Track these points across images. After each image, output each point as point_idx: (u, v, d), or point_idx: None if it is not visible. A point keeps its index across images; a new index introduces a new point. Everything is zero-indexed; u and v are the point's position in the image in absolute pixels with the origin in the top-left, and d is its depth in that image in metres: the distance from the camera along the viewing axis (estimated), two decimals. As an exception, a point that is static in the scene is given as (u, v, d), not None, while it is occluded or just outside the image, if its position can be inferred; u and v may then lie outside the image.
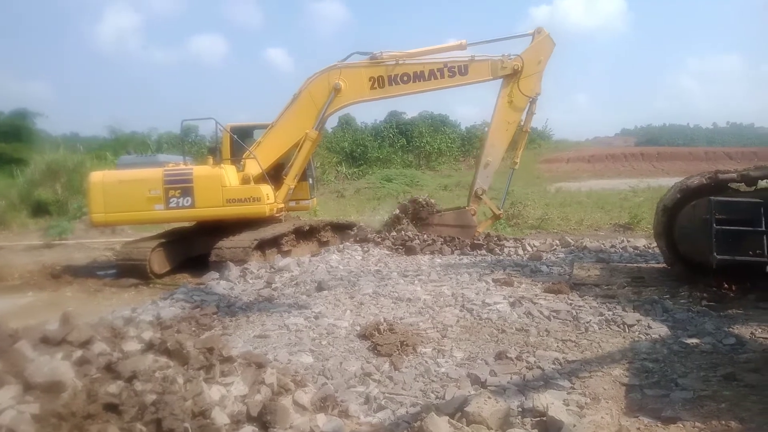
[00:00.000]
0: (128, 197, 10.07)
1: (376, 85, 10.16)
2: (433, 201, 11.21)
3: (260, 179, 10.49)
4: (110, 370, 3.30)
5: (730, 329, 5.37)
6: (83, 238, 15.22)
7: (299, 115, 10.41)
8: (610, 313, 6.02)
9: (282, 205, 10.93)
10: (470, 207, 10.54)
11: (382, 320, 5.76)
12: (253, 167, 10.49)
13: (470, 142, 58.88)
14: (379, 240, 11.36)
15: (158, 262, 9.97)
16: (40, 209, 19.75)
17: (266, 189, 10.28)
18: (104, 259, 12.37)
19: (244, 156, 10.64)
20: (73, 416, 2.82)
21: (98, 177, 10.43)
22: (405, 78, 10.11)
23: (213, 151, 11.66)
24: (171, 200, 10.03)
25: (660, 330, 5.45)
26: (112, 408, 2.98)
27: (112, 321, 5.38)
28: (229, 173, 10.34)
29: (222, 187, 10.08)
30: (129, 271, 9.77)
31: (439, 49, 10.27)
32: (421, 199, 11.35)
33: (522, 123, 10.66)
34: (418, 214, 10.85)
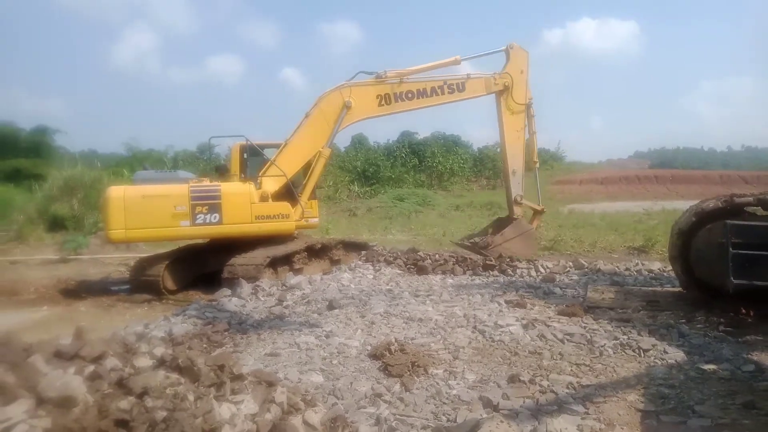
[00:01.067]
0: (152, 213, 9.79)
1: (383, 102, 10.77)
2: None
3: (276, 197, 10.59)
4: (122, 385, 3.31)
5: (749, 356, 5.26)
6: (98, 253, 15.38)
7: (312, 132, 10.63)
8: (625, 337, 5.92)
9: (301, 222, 11.10)
10: (516, 215, 11.40)
11: (393, 340, 5.72)
12: (269, 185, 10.58)
13: (482, 163, 58.93)
14: (391, 259, 11.35)
15: (171, 279, 10.03)
16: (56, 224, 20.02)
17: (289, 206, 10.47)
18: (118, 274, 12.47)
19: (261, 173, 10.71)
20: (84, 431, 2.82)
21: (119, 192, 9.99)
22: (409, 95, 10.86)
23: (220, 169, 11.80)
24: (198, 216, 9.92)
25: (676, 355, 5.35)
26: (123, 424, 2.97)
27: (124, 336, 5.39)
28: (253, 191, 10.43)
29: (251, 203, 10.15)
30: (142, 286, 9.83)
31: (436, 65, 11.14)
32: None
33: (527, 127, 11.81)
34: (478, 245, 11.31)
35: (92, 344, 3.61)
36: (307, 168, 10.87)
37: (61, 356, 3.48)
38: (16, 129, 30.84)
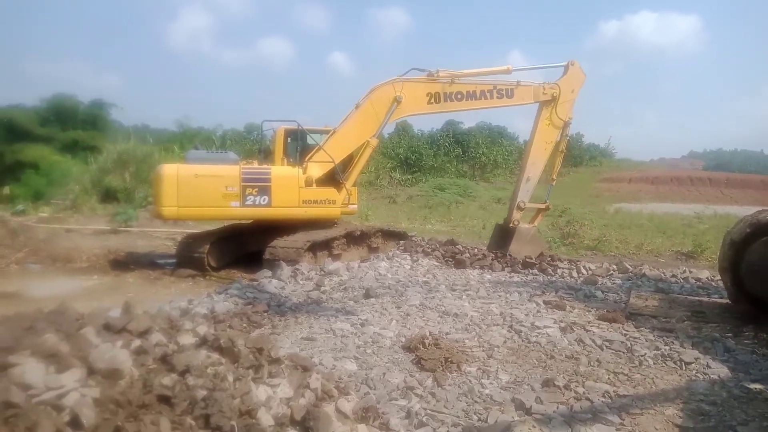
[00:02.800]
0: (203, 192, 9.98)
1: (432, 100, 10.87)
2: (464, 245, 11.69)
3: (320, 182, 10.72)
4: (165, 362, 3.44)
5: (799, 377, 5.03)
6: (146, 226, 15.95)
7: (362, 123, 10.78)
8: (667, 347, 5.75)
9: (345, 208, 11.32)
10: (514, 220, 11.38)
11: (427, 333, 5.73)
12: (314, 170, 10.70)
13: (511, 154, 57.80)
14: (429, 250, 11.33)
15: (215, 256, 10.32)
16: (109, 196, 20.86)
17: (342, 192, 10.70)
18: (165, 248, 12.91)
19: (306, 158, 10.83)
20: (129, 404, 2.96)
21: (172, 170, 10.19)
22: (459, 96, 10.96)
23: (263, 152, 12.00)
24: (248, 198, 10.16)
25: (720, 371, 5.16)
26: (165, 400, 3.10)
27: (169, 312, 5.61)
28: (301, 175, 10.60)
29: (299, 188, 10.37)
30: (187, 262, 10.15)
31: (487, 72, 11.30)
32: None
33: (558, 143, 11.88)
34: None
35: (139, 319, 3.77)
36: (350, 156, 10.98)
37: (110, 329, 3.64)
38: (76, 102, 32.04)
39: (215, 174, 10.17)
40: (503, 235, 11.69)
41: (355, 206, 12.46)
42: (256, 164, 10.94)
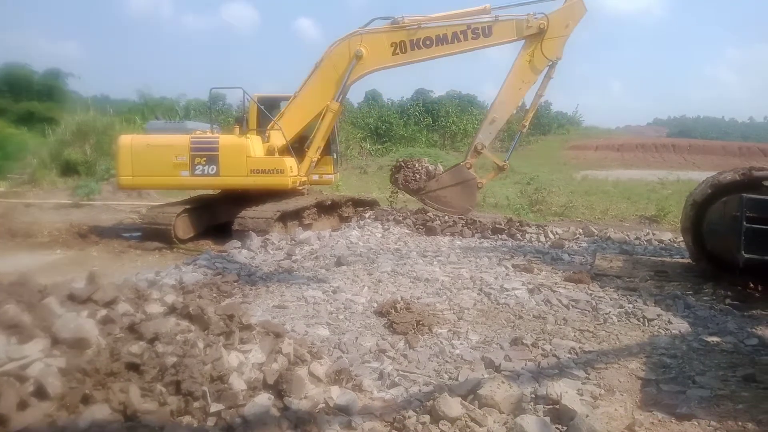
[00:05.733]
0: (155, 162, 10.23)
1: (398, 50, 9.83)
2: (432, 167, 8.85)
3: (284, 151, 10.50)
4: (133, 330, 3.39)
5: (753, 330, 5.27)
6: (110, 199, 15.51)
7: (321, 84, 10.21)
8: (631, 306, 5.95)
9: (304, 178, 10.93)
10: (467, 161, 9.14)
11: (399, 299, 5.79)
12: (277, 139, 10.48)
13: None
14: (400, 218, 11.36)
15: (183, 228, 10.13)
16: (69, 169, 20.12)
17: (290, 161, 10.28)
18: (130, 221, 12.62)
19: (268, 127, 10.63)
20: (96, 373, 2.91)
21: (127, 140, 10.60)
22: (428, 42, 9.74)
23: (240, 121, 11.68)
24: (197, 167, 10.18)
25: (680, 326, 5.38)
26: (134, 367, 3.06)
27: (136, 283, 5.49)
28: (254, 144, 10.36)
29: (247, 157, 10.14)
30: (154, 234, 9.94)
31: (462, 14, 9.76)
32: (417, 165, 8.92)
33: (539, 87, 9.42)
34: (409, 184, 8.78)
35: (105, 289, 3.69)
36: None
37: (75, 299, 3.56)
38: (29, 71, 30.66)
39: (166, 144, 10.28)
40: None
41: (331, 176, 12.24)
42: (208, 134, 10.68)
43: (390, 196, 14.03)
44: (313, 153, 10.51)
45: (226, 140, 10.43)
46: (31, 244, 10.10)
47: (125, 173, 10.40)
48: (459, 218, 11.31)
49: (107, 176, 17.54)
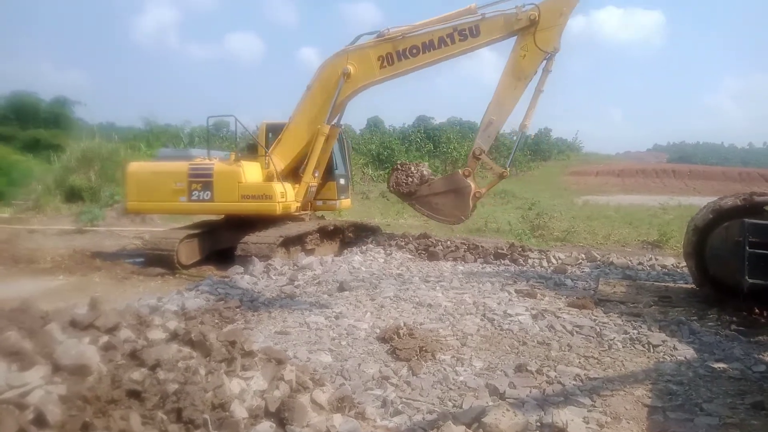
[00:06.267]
0: (158, 188, 10.67)
1: (385, 63, 9.43)
2: (428, 172, 8.26)
3: (287, 177, 10.57)
4: (135, 357, 3.36)
5: (761, 356, 5.22)
6: (114, 225, 15.55)
7: (312, 107, 10.11)
8: (635, 331, 5.90)
9: (298, 204, 10.83)
10: (465, 168, 8.57)
11: (402, 324, 5.75)
12: (278, 164, 10.55)
13: (498, 151, 58.36)
14: (403, 244, 11.35)
15: (185, 254, 10.15)
16: (73, 195, 20.24)
17: (280, 187, 10.30)
18: (133, 247, 12.62)
19: (268, 154, 10.67)
20: (97, 400, 2.88)
21: (135, 167, 11.30)
22: (414, 51, 9.29)
23: (249, 148, 11.91)
24: (193, 193, 10.47)
25: (686, 352, 5.32)
26: (135, 395, 3.03)
27: (138, 309, 5.46)
28: (247, 170, 10.48)
29: (238, 183, 10.30)
30: (156, 260, 9.95)
31: (447, 17, 9.19)
32: (413, 169, 8.22)
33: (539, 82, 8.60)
34: (401, 187, 8.17)
35: (107, 315, 3.67)
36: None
37: (77, 325, 3.54)
38: (36, 99, 31.08)
39: (167, 171, 10.74)
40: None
41: (335, 202, 12.19)
42: (205, 161, 10.80)
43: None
44: (308, 178, 10.49)
45: (219, 167, 10.61)
46: (33, 270, 10.10)
47: (132, 198, 11.03)
48: (461, 243, 11.33)
49: (111, 202, 17.64)
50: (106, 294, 7.87)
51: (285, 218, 10.85)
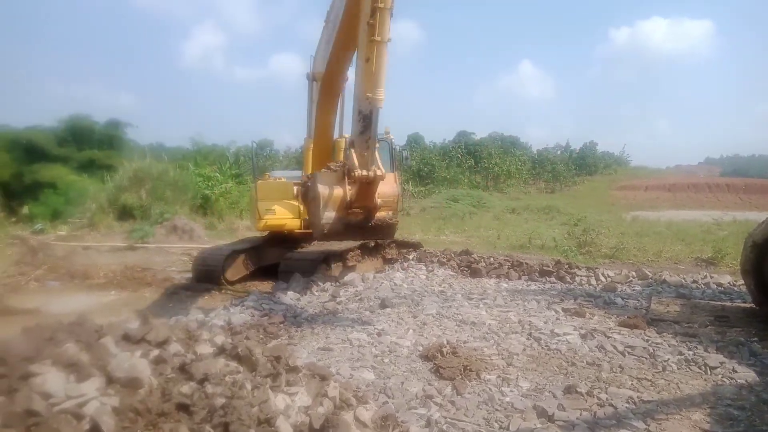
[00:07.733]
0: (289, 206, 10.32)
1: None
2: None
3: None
4: (184, 371, 3.44)
5: (830, 381, 4.89)
6: (163, 242, 16.06)
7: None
8: (691, 352, 5.63)
9: None
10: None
11: (445, 342, 5.68)
12: None
13: (541, 165, 57.57)
14: (444, 260, 11.26)
15: (231, 270, 10.36)
16: (125, 213, 21.05)
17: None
18: (181, 263, 12.99)
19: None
20: (148, 412, 2.95)
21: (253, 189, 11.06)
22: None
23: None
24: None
25: (747, 375, 5.04)
26: (184, 408, 3.09)
27: (186, 323, 5.60)
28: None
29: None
30: (204, 276, 10.20)
31: None
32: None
33: None
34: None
35: (157, 330, 3.77)
36: None
37: (129, 339, 3.66)
38: (91, 122, 32.56)
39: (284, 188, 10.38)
40: None
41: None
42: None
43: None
44: None
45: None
46: (88, 285, 10.52)
47: (256, 217, 10.44)
48: (505, 260, 11.15)
49: (161, 220, 18.23)
50: (156, 309, 8.10)
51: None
